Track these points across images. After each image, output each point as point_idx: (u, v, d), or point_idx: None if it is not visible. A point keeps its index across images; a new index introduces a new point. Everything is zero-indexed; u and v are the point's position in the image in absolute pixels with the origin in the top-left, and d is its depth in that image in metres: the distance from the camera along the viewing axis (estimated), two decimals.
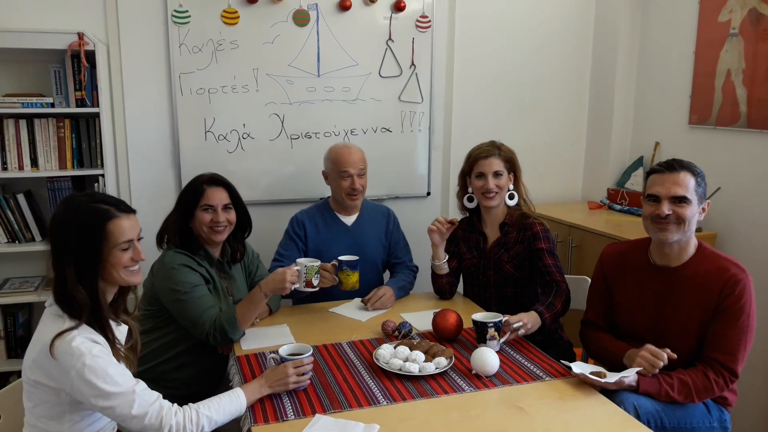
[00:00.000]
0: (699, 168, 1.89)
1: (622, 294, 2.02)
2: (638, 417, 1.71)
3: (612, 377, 1.71)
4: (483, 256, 2.41)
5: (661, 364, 1.76)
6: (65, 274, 1.48)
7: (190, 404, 1.55)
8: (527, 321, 2.04)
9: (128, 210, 1.58)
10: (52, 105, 2.67)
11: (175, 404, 1.53)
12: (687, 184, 1.83)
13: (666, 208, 1.83)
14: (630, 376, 1.73)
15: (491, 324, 1.94)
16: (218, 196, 2.13)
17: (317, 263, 2.09)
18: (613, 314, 2.05)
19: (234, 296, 2.22)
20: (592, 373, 1.74)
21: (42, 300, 2.70)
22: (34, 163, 2.70)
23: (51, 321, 1.48)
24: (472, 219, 2.48)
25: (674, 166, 1.86)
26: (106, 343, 1.51)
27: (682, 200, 1.83)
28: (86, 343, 1.44)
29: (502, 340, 1.97)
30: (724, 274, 1.81)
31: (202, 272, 2.09)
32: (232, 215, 2.17)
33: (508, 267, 2.33)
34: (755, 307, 1.83)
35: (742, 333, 1.80)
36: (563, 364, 1.84)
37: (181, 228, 2.12)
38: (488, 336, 1.94)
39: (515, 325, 1.98)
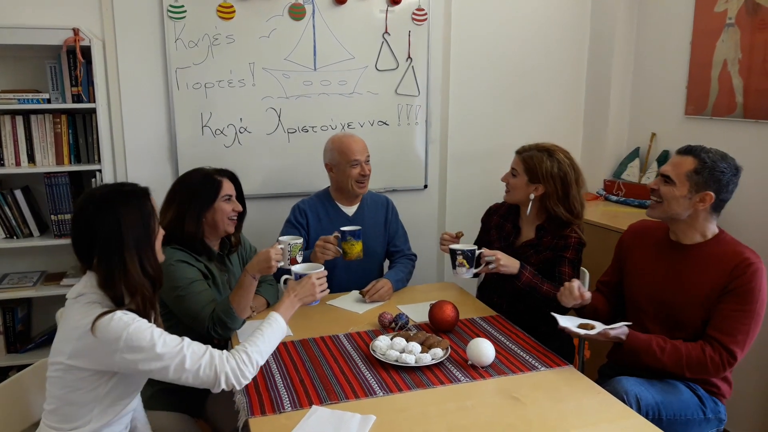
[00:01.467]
0: (715, 159, 1.84)
1: (634, 266, 2.05)
2: (639, 409, 1.73)
3: (597, 329, 1.76)
4: (511, 248, 2.38)
5: (575, 293, 1.90)
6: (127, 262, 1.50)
7: (237, 346, 1.57)
8: (501, 257, 2.14)
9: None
10: (49, 101, 2.67)
11: (225, 351, 1.55)
12: (680, 166, 1.86)
13: (654, 183, 1.93)
14: (617, 328, 1.78)
15: (460, 251, 2.10)
16: (231, 187, 2.20)
17: (300, 240, 2.07)
18: (623, 287, 2.09)
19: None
20: (580, 326, 1.81)
21: (40, 295, 2.71)
22: (31, 159, 2.71)
23: (84, 309, 1.48)
24: (512, 210, 2.46)
25: (683, 150, 1.91)
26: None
27: (667, 179, 1.88)
28: (127, 314, 1.48)
29: (476, 269, 2.14)
30: (737, 257, 1.81)
31: (200, 267, 2.09)
32: (239, 206, 2.22)
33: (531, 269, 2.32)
34: (767, 297, 1.81)
35: (748, 317, 1.78)
36: (553, 315, 1.89)
37: (181, 225, 2.11)
38: (457, 263, 2.10)
39: (488, 258, 2.12)
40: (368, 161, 2.58)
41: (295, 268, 1.89)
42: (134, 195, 1.56)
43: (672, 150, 3.16)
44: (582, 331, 1.79)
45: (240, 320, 2.02)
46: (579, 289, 1.94)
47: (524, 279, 2.21)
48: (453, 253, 2.15)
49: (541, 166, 2.28)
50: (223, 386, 1.51)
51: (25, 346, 2.80)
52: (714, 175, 1.83)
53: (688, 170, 1.85)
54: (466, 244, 2.18)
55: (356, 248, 2.30)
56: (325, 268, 1.89)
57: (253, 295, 2.06)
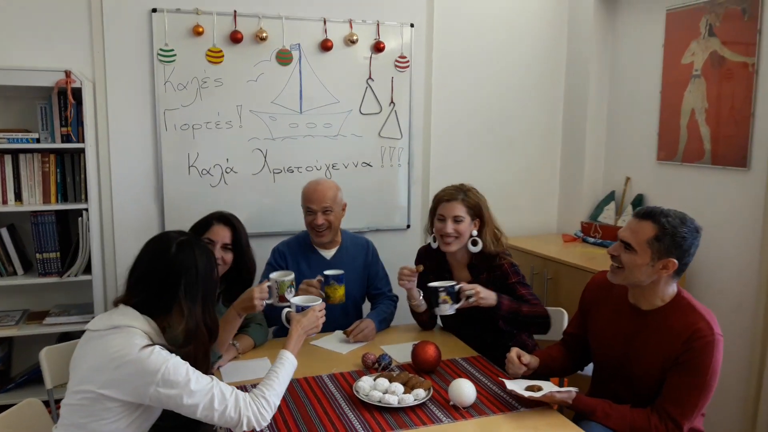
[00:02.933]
0: (675, 223, 1.77)
1: (596, 323, 2.04)
2: None
3: (544, 391, 1.80)
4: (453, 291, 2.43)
5: (516, 362, 1.96)
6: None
7: (255, 390, 1.65)
8: (480, 290, 2.19)
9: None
10: (38, 140, 2.71)
11: (248, 394, 1.63)
12: (639, 233, 1.80)
13: (613, 249, 1.88)
14: (563, 392, 1.81)
15: (442, 288, 2.15)
16: (221, 234, 2.23)
17: (290, 276, 2.12)
18: (589, 342, 2.10)
19: None
20: (527, 388, 1.85)
21: (22, 334, 2.69)
22: (18, 197, 2.73)
23: (125, 340, 1.54)
24: (438, 254, 2.49)
25: (640, 213, 1.85)
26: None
27: (627, 246, 1.83)
28: (164, 351, 1.56)
29: (457, 305, 2.19)
30: (691, 327, 1.75)
31: None
32: (229, 256, 2.23)
33: (502, 323, 2.35)
34: (719, 367, 1.75)
35: (698, 390, 1.74)
36: (501, 380, 1.94)
37: None
38: (440, 300, 2.15)
39: (468, 292, 2.18)
40: (328, 211, 2.55)
41: (295, 301, 1.98)
42: (208, 249, 1.75)
43: (646, 194, 3.28)
44: (527, 394, 1.81)
45: (217, 354, 2.05)
46: (519, 357, 1.98)
47: (504, 308, 2.25)
48: (435, 291, 2.18)
49: (478, 200, 2.39)
50: (245, 428, 1.59)
51: (4, 386, 2.77)
52: (675, 240, 1.76)
53: (648, 237, 1.78)
54: (445, 282, 2.23)
55: (339, 292, 2.32)
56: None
57: (236, 332, 2.09)
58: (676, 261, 1.78)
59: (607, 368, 1.99)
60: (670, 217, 1.79)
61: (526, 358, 2.00)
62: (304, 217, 2.61)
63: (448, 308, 2.18)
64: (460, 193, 2.38)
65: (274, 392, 1.66)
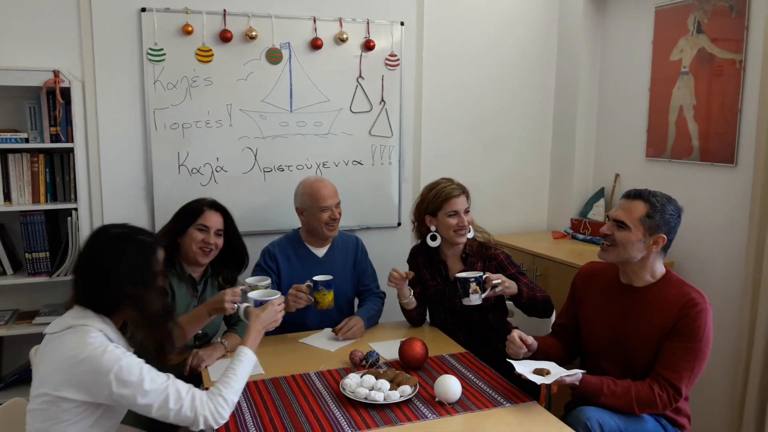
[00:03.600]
0: (663, 202, 1.94)
1: (588, 309, 2.12)
2: None
3: (552, 377, 1.83)
4: (447, 283, 2.49)
5: (518, 343, 1.98)
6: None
7: (212, 388, 1.63)
8: (505, 279, 2.26)
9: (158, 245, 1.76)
10: (27, 140, 2.71)
11: (205, 393, 1.62)
12: (632, 212, 1.94)
13: (606, 228, 2.00)
14: (572, 375, 1.84)
15: (473, 279, 2.20)
16: (214, 220, 2.29)
17: (265, 282, 2.14)
18: (580, 329, 2.16)
19: None
20: (535, 371, 1.87)
21: (12, 334, 2.70)
22: (7, 197, 2.73)
23: (77, 339, 1.54)
24: (430, 249, 2.54)
25: (631, 194, 1.99)
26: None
27: (620, 224, 1.95)
28: (118, 349, 1.55)
29: (484, 294, 2.24)
30: (684, 297, 1.90)
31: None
32: (221, 241, 2.31)
33: (490, 316, 2.40)
34: (711, 336, 1.89)
35: (693, 355, 1.86)
36: (509, 361, 1.95)
37: (165, 240, 2.20)
38: (471, 290, 2.21)
39: (494, 282, 2.24)
40: (338, 205, 2.64)
41: (253, 295, 1.95)
42: (143, 240, 1.69)
43: None
44: (538, 379, 1.84)
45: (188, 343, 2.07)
46: (521, 338, 2.01)
47: (525, 295, 2.33)
48: (465, 282, 2.23)
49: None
50: (202, 426, 1.58)
51: None
52: (664, 217, 1.93)
53: (640, 215, 1.93)
54: (473, 272, 2.28)
55: (327, 297, 2.35)
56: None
57: (201, 328, 2.12)
58: (665, 236, 1.94)
59: (599, 349, 2.05)
60: (658, 197, 1.96)
61: (529, 339, 2.03)
62: (315, 215, 2.59)
63: (477, 298, 2.24)
64: (460, 187, 2.50)
65: (232, 390, 1.65)
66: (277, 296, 1.95)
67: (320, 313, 2.56)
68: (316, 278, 2.35)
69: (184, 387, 1.59)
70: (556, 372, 1.86)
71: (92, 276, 1.62)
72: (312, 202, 2.60)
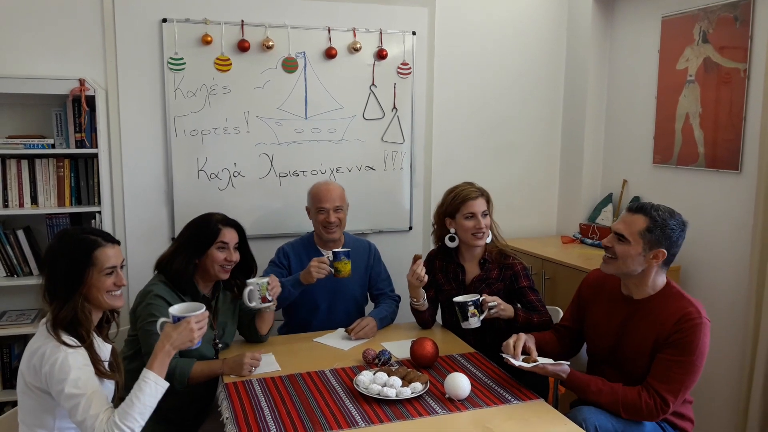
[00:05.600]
0: (665, 216, 1.93)
1: (592, 315, 2.17)
2: None
3: (533, 363, 1.92)
4: (462, 288, 2.54)
5: (510, 350, 2.01)
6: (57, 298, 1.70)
7: (112, 417, 1.60)
8: (500, 302, 2.31)
9: (113, 241, 1.80)
10: (53, 146, 2.82)
11: (111, 417, 1.61)
12: (632, 225, 1.95)
13: (608, 241, 2.03)
14: (557, 365, 1.92)
15: (470, 303, 2.24)
16: (231, 236, 2.29)
17: (266, 279, 2.26)
18: (583, 334, 2.22)
19: (218, 329, 2.32)
20: (524, 359, 1.97)
21: None
22: (34, 200, 2.84)
23: (40, 332, 1.69)
24: (449, 251, 2.60)
25: (633, 207, 2.00)
26: (88, 358, 1.69)
27: (620, 238, 1.97)
28: (60, 347, 1.63)
29: (481, 317, 2.27)
30: (680, 311, 1.90)
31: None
32: (237, 255, 2.31)
33: (504, 326, 2.42)
34: (706, 350, 1.88)
35: (684, 368, 1.86)
36: (501, 355, 2.03)
37: (172, 261, 2.23)
38: (470, 314, 2.25)
39: (490, 304, 2.29)
40: (339, 210, 2.68)
41: (173, 310, 1.80)
42: (85, 243, 1.73)
43: (643, 196, 3.36)
44: (516, 362, 1.93)
45: (184, 384, 2.08)
46: (515, 344, 2.04)
47: (520, 319, 2.37)
48: (464, 306, 2.26)
49: (488, 193, 2.55)
50: None
51: None
52: (665, 232, 1.92)
53: (640, 229, 1.93)
54: (470, 295, 2.30)
55: (347, 267, 2.47)
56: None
57: (212, 377, 2.16)
58: (665, 251, 1.93)
59: (601, 355, 2.11)
60: (660, 211, 1.95)
61: (520, 347, 2.04)
62: (314, 216, 2.71)
63: (476, 321, 2.27)
64: (478, 189, 2.53)
65: (129, 417, 1.60)
66: (200, 311, 1.79)
67: (330, 315, 2.65)
68: (336, 250, 2.49)
69: (99, 405, 1.61)
70: (542, 360, 1.94)
71: (51, 271, 1.74)
72: (313, 203, 2.71)
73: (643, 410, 1.87)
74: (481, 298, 2.29)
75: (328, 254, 2.55)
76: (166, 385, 1.70)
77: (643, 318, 1.98)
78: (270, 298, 2.26)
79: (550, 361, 1.98)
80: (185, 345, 1.74)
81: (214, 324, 2.31)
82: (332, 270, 2.45)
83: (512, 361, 1.95)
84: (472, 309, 2.26)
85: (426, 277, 2.42)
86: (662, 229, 1.92)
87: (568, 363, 1.94)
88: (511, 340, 2.06)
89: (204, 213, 2.36)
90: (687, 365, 1.86)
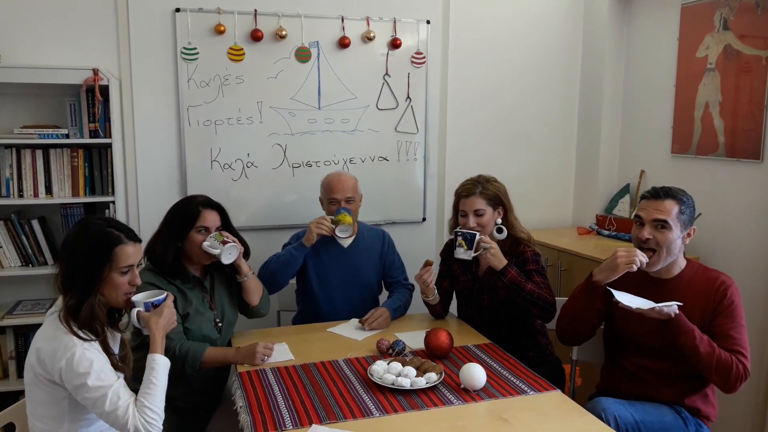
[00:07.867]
0: (686, 195, 2.03)
1: (620, 310, 2.06)
2: (617, 428, 1.82)
3: (649, 304, 1.89)
4: (477, 279, 2.52)
5: (638, 259, 1.96)
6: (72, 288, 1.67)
7: (138, 403, 1.65)
8: (496, 249, 2.34)
9: (135, 238, 1.78)
10: (67, 136, 2.83)
11: (140, 403, 1.65)
12: (670, 211, 1.97)
13: (647, 232, 1.98)
14: (670, 306, 1.88)
15: (459, 233, 2.34)
16: (212, 219, 2.22)
17: (214, 234, 2.20)
18: (613, 325, 2.17)
19: (216, 310, 2.29)
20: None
21: None
22: (49, 190, 2.85)
23: (50, 323, 1.67)
24: None
25: (659, 193, 2.00)
26: (101, 350, 1.68)
27: (663, 225, 1.97)
28: (73, 339, 1.62)
29: (474, 253, 2.32)
30: (714, 282, 1.97)
31: (171, 290, 2.11)
32: None
33: (502, 293, 2.40)
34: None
35: (742, 328, 1.94)
36: (609, 289, 1.99)
37: (155, 246, 2.19)
38: (456, 243, 2.33)
39: (483, 245, 2.31)
40: (350, 201, 2.66)
41: (138, 298, 1.80)
42: (108, 237, 1.71)
43: None
44: (634, 303, 1.90)
45: (196, 369, 2.10)
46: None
47: (508, 275, 2.32)
48: (455, 235, 2.35)
49: (497, 189, 2.46)
50: None
51: None
52: (690, 210, 2.02)
53: (676, 212, 1.98)
54: (470, 230, 2.36)
55: (347, 218, 2.52)
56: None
57: (224, 365, 2.17)
58: (695, 227, 2.03)
59: (650, 347, 2.04)
60: (681, 191, 2.03)
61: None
62: (327, 206, 2.70)
63: (462, 252, 2.33)
64: (477, 186, 2.44)
65: (156, 398, 1.68)
66: (164, 295, 1.86)
67: (346, 305, 2.64)
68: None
69: (125, 394, 1.64)
70: (652, 303, 1.91)
71: (67, 261, 1.71)
72: (325, 194, 2.71)
73: (732, 373, 1.87)
74: (478, 237, 2.31)
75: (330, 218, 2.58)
76: (167, 363, 1.77)
77: (680, 295, 1.97)
78: (229, 240, 2.18)
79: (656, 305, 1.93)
80: (171, 326, 1.84)
81: (212, 305, 2.29)
82: (333, 227, 2.50)
83: (625, 303, 1.91)
84: (459, 239, 2.33)
85: (432, 284, 2.44)
86: (690, 207, 2.01)
87: (679, 303, 1.91)
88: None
89: (186, 197, 2.34)
90: (742, 327, 1.93)
